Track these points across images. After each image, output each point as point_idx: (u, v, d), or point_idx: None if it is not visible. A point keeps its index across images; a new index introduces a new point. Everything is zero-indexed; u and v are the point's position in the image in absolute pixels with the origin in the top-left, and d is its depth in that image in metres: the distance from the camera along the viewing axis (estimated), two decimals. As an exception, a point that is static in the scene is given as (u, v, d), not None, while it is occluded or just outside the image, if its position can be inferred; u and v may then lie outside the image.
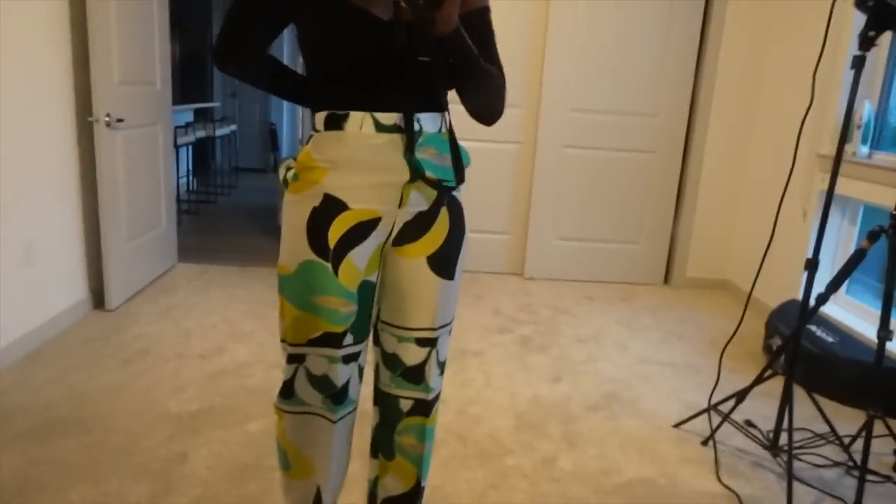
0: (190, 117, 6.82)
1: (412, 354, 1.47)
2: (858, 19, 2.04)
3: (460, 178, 1.40)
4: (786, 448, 2.23)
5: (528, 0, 4.05)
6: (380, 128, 1.29)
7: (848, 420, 2.65)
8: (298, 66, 1.52)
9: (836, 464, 2.34)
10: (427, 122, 1.34)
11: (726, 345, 2.44)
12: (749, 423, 2.59)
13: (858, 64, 2.00)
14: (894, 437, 2.35)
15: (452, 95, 1.42)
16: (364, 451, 1.71)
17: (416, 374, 1.48)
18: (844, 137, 2.09)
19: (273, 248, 4.76)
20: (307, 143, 1.36)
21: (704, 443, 2.43)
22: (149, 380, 2.67)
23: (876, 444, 2.47)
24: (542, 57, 4.10)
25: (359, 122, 1.29)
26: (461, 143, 1.45)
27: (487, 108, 1.40)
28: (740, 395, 2.40)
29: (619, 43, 4.09)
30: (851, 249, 3.30)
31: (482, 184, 4.18)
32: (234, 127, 7.28)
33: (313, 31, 1.29)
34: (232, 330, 3.22)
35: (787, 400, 2.21)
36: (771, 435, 2.39)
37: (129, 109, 3.35)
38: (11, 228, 2.72)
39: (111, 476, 2.02)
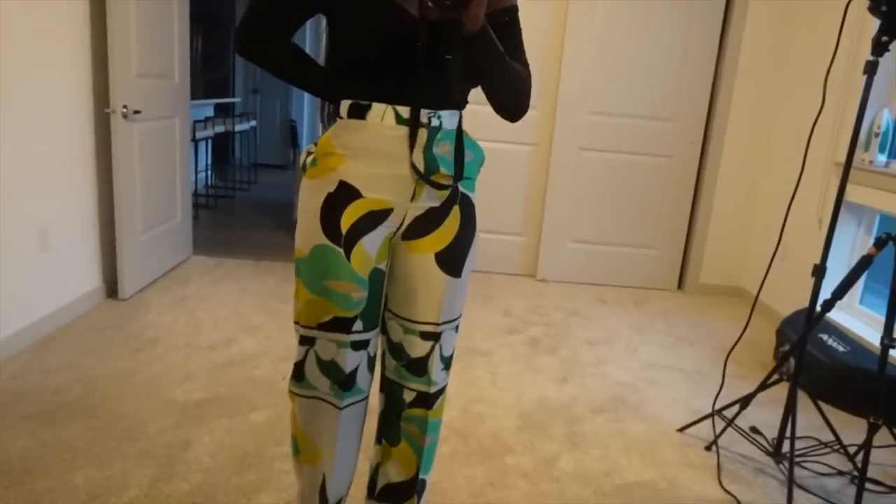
0: (210, 112, 6.90)
1: (416, 347, 1.49)
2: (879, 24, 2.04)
3: (459, 174, 1.40)
4: (789, 455, 2.21)
5: (547, 2, 4.04)
6: (400, 120, 1.31)
7: (856, 430, 2.62)
8: (319, 58, 1.52)
9: (841, 473, 2.31)
10: (447, 118, 1.36)
11: (731, 350, 2.42)
12: (754, 430, 2.56)
13: (871, 69, 1.99)
14: None
15: (476, 93, 1.43)
16: (370, 447, 1.71)
17: (419, 367, 1.50)
18: (854, 144, 2.07)
19: (288, 244, 4.80)
20: (328, 129, 1.39)
21: (708, 448, 2.41)
22: (157, 368, 2.70)
23: (884, 455, 2.45)
24: (559, 59, 4.09)
25: (381, 113, 1.31)
26: (479, 142, 1.46)
27: (512, 105, 1.41)
28: (744, 401, 2.37)
29: (637, 46, 4.07)
30: (867, 259, 3.26)
31: (497, 184, 4.18)
32: (254, 123, 7.34)
33: (344, 20, 1.30)
34: (242, 322, 3.25)
35: (790, 407, 2.19)
36: (775, 442, 2.37)
37: (147, 102, 3.39)
38: (27, 216, 2.77)
39: (115, 460, 2.05)
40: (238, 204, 6.27)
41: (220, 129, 6.07)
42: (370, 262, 1.37)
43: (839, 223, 3.38)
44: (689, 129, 4.20)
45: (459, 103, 1.40)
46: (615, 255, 4.37)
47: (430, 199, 1.39)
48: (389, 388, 1.57)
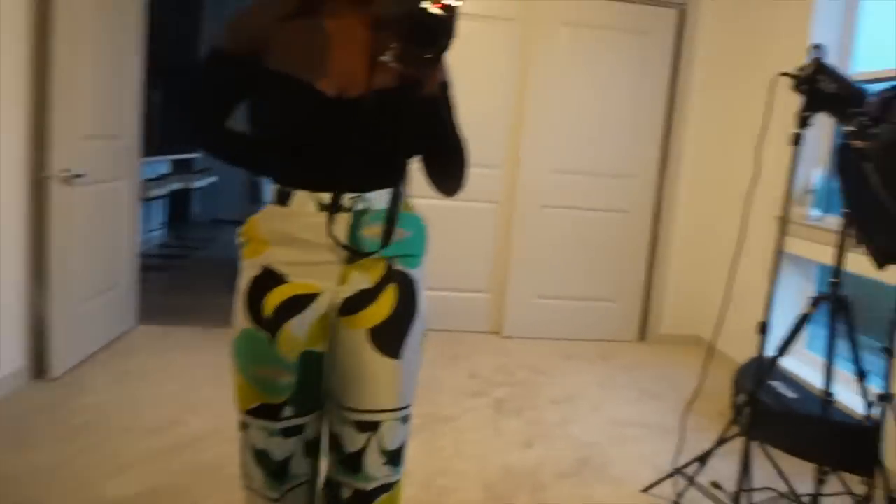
0: (166, 168, 6.72)
1: (351, 440, 1.37)
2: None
3: (385, 241, 1.33)
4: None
5: (508, 64, 4.14)
6: (322, 208, 1.28)
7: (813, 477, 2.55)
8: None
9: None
10: (375, 199, 1.32)
11: (689, 405, 2.39)
12: (715, 485, 2.53)
13: (797, 141, 2.17)
14: (850, 494, 2.33)
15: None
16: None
17: (353, 463, 1.38)
18: (789, 206, 2.29)
19: (242, 306, 4.61)
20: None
21: (673, 509, 2.32)
22: (88, 458, 2.47)
23: (839, 502, 2.38)
24: (521, 119, 4.19)
25: (303, 200, 1.29)
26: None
27: (453, 180, 1.39)
28: (702, 458, 2.36)
29: (595, 106, 4.23)
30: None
31: (462, 242, 4.18)
32: (213, 178, 7.18)
33: (259, 104, 1.31)
34: (189, 399, 3.04)
35: (745, 462, 2.17)
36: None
37: (91, 164, 3.22)
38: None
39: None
40: (193, 264, 6.07)
41: (176, 186, 5.91)
42: (300, 345, 1.32)
43: (786, 275, 3.58)
44: (645, 185, 4.34)
45: (393, 180, 1.34)
46: (579, 309, 4.38)
47: (360, 282, 1.33)
48: (328, 486, 1.46)
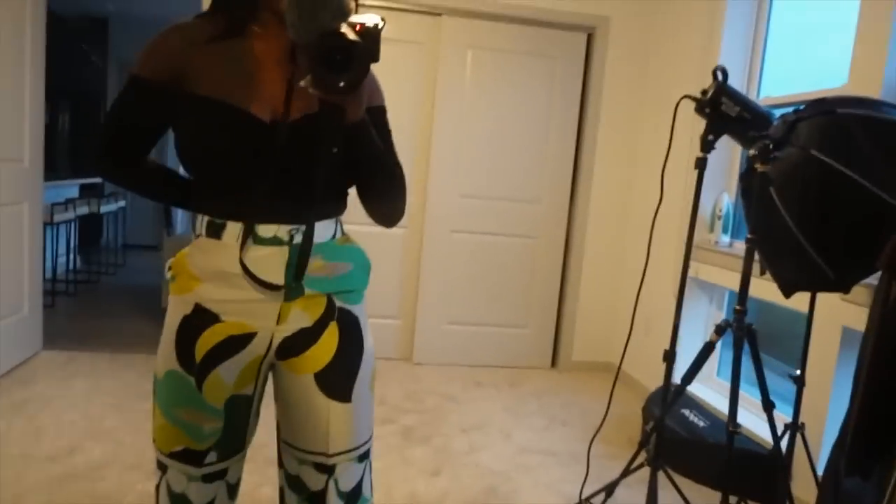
0: (75, 192, 6.52)
1: (311, 480, 1.33)
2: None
3: (299, 273, 1.23)
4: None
5: (415, 88, 4.14)
6: (258, 240, 1.20)
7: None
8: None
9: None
10: (317, 230, 1.24)
11: (594, 436, 2.45)
12: (622, 515, 2.59)
13: (701, 165, 2.16)
14: None
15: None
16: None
17: (318, 501, 1.34)
18: (692, 231, 2.23)
19: (151, 333, 4.51)
20: (192, 242, 1.28)
21: (577, 539, 2.40)
22: (-18, 488, 2.41)
23: None
24: (428, 144, 4.18)
25: (236, 233, 1.20)
26: (351, 229, 1.38)
27: (391, 208, 1.33)
28: (609, 489, 2.40)
29: (503, 130, 4.22)
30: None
31: (371, 268, 4.12)
32: (122, 203, 6.99)
33: (188, 133, 1.20)
34: (90, 426, 2.98)
35: (651, 492, 2.22)
36: (641, 528, 2.38)
37: (-12, 188, 3.15)
38: None
39: None
40: (102, 289, 5.89)
41: (83, 210, 5.74)
42: (227, 391, 1.25)
43: (693, 299, 3.66)
44: (554, 211, 4.37)
45: (331, 211, 1.29)
46: (490, 335, 4.40)
47: (299, 320, 1.26)
48: None
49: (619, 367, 2.37)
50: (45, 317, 3.99)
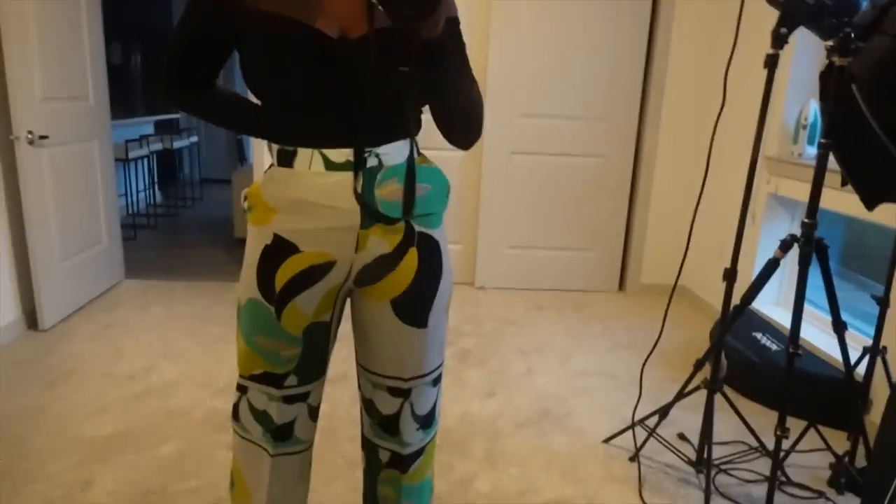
0: (150, 130, 6.75)
1: (386, 403, 1.36)
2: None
3: (408, 211, 1.23)
4: (712, 463, 2.19)
5: (468, 3, 3.94)
6: (330, 166, 1.17)
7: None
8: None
9: (767, 478, 2.28)
10: (390, 153, 1.20)
11: (647, 357, 2.37)
12: (682, 437, 2.55)
13: (771, 63, 1.93)
14: (831, 450, 2.30)
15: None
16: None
17: (391, 425, 1.38)
18: (759, 137, 2.01)
19: (223, 262, 4.69)
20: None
21: (632, 459, 2.38)
22: (70, 401, 2.60)
23: (813, 458, 2.43)
24: (485, 62, 4.00)
25: (307, 159, 1.17)
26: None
27: (467, 126, 1.24)
28: (663, 411, 2.34)
29: (565, 45, 4.01)
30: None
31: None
32: (195, 138, 7.19)
33: (252, 52, 1.14)
34: (165, 348, 3.15)
35: (708, 415, 2.16)
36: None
37: (56, 126, 3.27)
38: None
39: (6, 508, 1.96)
40: (180, 222, 6.13)
41: (157, 147, 5.94)
42: (305, 319, 1.26)
43: (773, 218, 3.47)
44: (622, 128, 4.17)
45: (407, 130, 1.22)
46: (553, 259, 4.32)
47: (378, 247, 1.23)
48: (367, 448, 1.45)
49: (675, 285, 2.27)
50: (127, 249, 4.21)
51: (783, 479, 2.28)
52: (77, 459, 2.22)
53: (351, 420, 2.55)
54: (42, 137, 3.10)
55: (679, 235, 4.30)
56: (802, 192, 3.16)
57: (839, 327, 2.06)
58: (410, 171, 1.22)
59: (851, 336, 2.98)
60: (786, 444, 2.41)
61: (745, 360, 2.92)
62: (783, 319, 3.29)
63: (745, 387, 2.93)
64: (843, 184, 1.89)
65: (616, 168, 4.23)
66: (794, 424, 2.54)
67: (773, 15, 1.96)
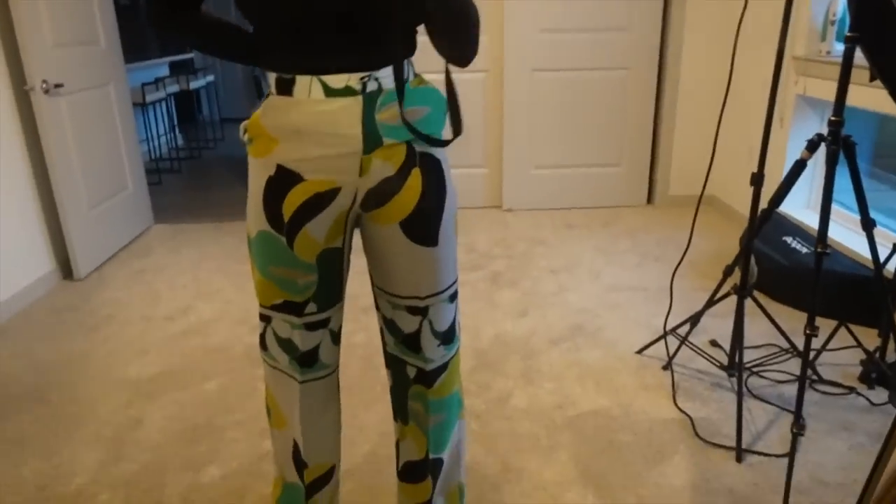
0: (165, 71, 6.69)
1: (405, 322, 1.40)
2: None
3: (457, 129, 1.22)
4: (744, 366, 2.20)
5: None
6: (329, 92, 1.16)
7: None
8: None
9: (797, 378, 2.29)
10: (389, 77, 1.19)
11: (676, 268, 2.34)
12: (714, 343, 2.56)
13: None
14: (861, 347, 2.31)
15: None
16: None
17: (413, 342, 1.42)
18: (785, 33, 1.93)
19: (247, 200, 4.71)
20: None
21: (665, 368, 2.40)
22: (112, 345, 2.68)
23: (843, 356, 2.43)
24: None
25: (307, 86, 1.16)
26: (425, 76, 1.28)
27: (465, 44, 1.18)
28: (694, 319, 2.34)
29: None
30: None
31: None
32: (210, 78, 7.12)
33: None
34: (200, 289, 3.21)
35: (738, 320, 2.15)
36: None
37: (70, 73, 3.25)
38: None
39: (64, 448, 2.05)
40: (204, 163, 6.15)
41: (173, 88, 5.90)
42: (317, 246, 1.28)
43: (801, 119, 3.37)
44: (646, 38, 4.02)
45: (402, 52, 1.20)
46: (580, 176, 4.27)
47: (382, 170, 1.24)
48: (394, 365, 1.49)
49: (702, 194, 2.23)
50: (153, 194, 4.24)
51: (814, 377, 2.29)
52: (125, 400, 2.30)
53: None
54: (57, 86, 3.09)
55: (707, 145, 4.21)
56: (831, 92, 3.01)
57: (868, 225, 2.03)
58: (450, 85, 1.21)
59: (881, 233, 2.93)
60: (816, 344, 2.41)
61: (774, 263, 2.88)
62: (813, 222, 3.24)
63: (775, 291, 2.91)
64: (872, 79, 1.82)
65: (640, 79, 4.11)
66: (825, 324, 2.56)
67: None
